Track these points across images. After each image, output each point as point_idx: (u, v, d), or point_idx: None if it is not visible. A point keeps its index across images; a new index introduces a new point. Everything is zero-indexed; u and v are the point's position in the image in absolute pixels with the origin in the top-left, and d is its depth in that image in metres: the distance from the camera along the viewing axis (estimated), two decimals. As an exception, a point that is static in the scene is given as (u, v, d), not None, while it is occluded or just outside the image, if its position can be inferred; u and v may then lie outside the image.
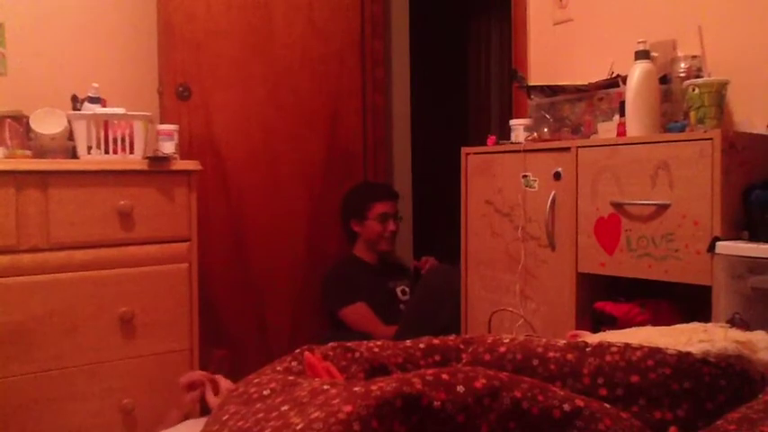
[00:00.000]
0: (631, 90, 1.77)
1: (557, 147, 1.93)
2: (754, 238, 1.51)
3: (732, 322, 1.26)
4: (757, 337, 1.02)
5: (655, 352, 0.95)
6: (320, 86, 2.94)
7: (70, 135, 2.10)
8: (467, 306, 2.23)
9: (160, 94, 2.56)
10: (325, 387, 0.82)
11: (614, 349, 0.97)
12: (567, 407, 0.82)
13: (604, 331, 1.43)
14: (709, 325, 1.08)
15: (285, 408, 0.79)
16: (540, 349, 1.02)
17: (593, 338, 1.12)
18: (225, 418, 0.86)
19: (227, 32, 2.69)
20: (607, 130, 1.92)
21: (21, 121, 2.07)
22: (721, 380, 0.92)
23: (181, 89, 2.58)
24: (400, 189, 3.31)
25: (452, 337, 1.15)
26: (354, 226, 2.92)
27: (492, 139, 2.20)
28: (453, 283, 2.27)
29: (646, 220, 1.68)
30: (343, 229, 2.97)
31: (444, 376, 0.79)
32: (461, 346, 1.12)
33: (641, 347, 0.96)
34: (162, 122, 2.41)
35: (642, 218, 1.69)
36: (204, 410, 1.16)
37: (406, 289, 2.90)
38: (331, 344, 1.11)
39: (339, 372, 1.03)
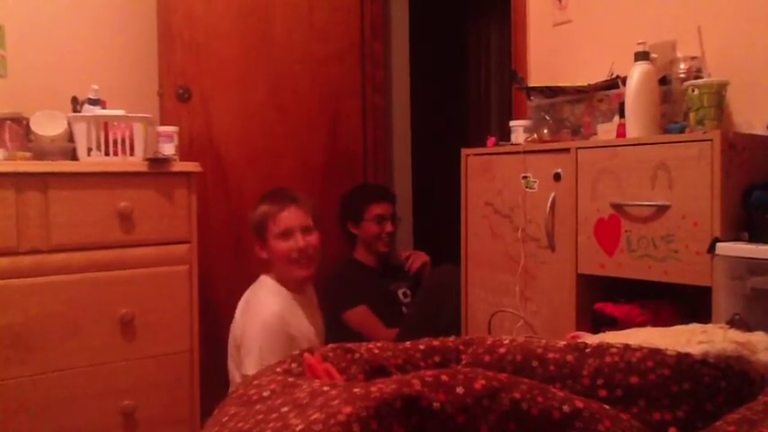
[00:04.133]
0: (631, 91, 1.77)
1: (556, 148, 1.93)
2: (753, 239, 1.51)
3: (732, 323, 1.26)
4: (757, 338, 1.02)
5: (654, 353, 0.95)
6: (320, 88, 2.95)
7: (70, 137, 2.10)
8: (467, 307, 2.23)
9: (160, 95, 2.56)
10: (325, 388, 0.82)
11: (614, 350, 0.97)
12: (566, 408, 0.82)
13: (604, 332, 1.43)
14: (708, 326, 1.09)
15: (285, 409, 0.79)
16: (539, 350, 1.02)
17: (593, 339, 1.12)
18: (225, 419, 0.86)
19: (226, 34, 2.69)
20: (607, 131, 1.92)
21: (21, 123, 2.07)
22: (721, 381, 0.93)
23: (181, 91, 2.58)
24: (400, 190, 3.31)
25: (452, 338, 1.16)
26: (352, 228, 2.93)
27: (492, 140, 2.20)
28: (457, 282, 2.27)
29: (646, 221, 1.68)
30: (342, 232, 2.98)
31: (444, 377, 0.80)
32: (461, 348, 1.12)
33: (641, 348, 0.96)
34: (162, 124, 2.41)
35: (642, 219, 1.69)
36: None
37: (408, 291, 2.91)
38: (331, 345, 1.11)
39: (339, 373, 1.03)
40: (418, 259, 2.98)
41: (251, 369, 2.01)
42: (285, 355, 1.99)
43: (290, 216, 2.25)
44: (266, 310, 2.15)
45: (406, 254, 3.05)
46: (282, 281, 2.27)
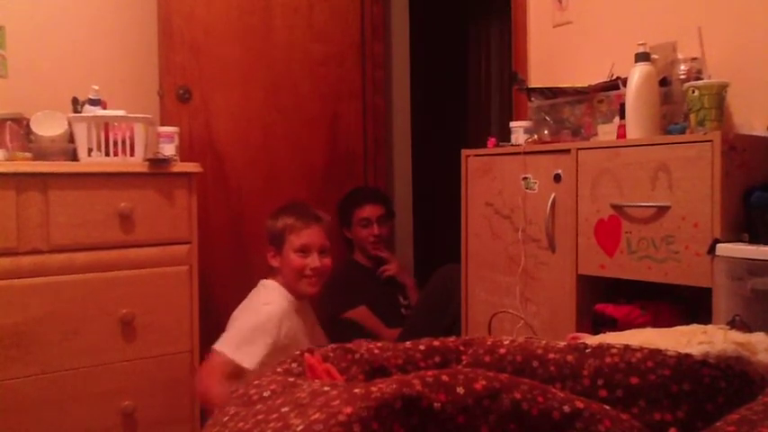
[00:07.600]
0: (631, 92, 1.77)
1: (557, 149, 1.93)
2: (754, 239, 1.51)
3: (732, 324, 1.26)
4: (757, 338, 1.02)
5: (654, 353, 0.95)
6: (320, 88, 2.95)
7: (71, 137, 2.10)
8: (467, 308, 2.23)
9: (160, 96, 2.57)
10: (326, 388, 0.82)
11: (614, 351, 0.97)
12: (566, 408, 0.82)
13: (604, 333, 1.43)
14: (708, 327, 1.08)
15: (285, 409, 0.79)
16: (539, 351, 1.02)
17: (593, 340, 1.12)
18: (225, 419, 0.86)
19: (227, 35, 2.69)
20: (607, 132, 1.92)
21: (21, 123, 2.07)
22: (721, 381, 0.93)
23: (181, 91, 2.58)
24: (400, 190, 3.31)
25: (452, 338, 1.15)
26: (346, 233, 2.95)
27: (492, 141, 2.20)
28: (459, 282, 2.27)
29: (646, 222, 1.68)
30: (342, 239, 2.98)
31: (444, 378, 0.80)
32: (461, 348, 1.12)
33: (641, 349, 0.96)
34: (162, 125, 2.42)
35: (642, 220, 1.69)
36: None
37: (407, 293, 2.90)
38: (331, 345, 1.11)
39: (339, 373, 1.03)
40: (390, 269, 2.90)
41: (225, 346, 2.07)
42: (256, 355, 2.02)
43: (312, 234, 2.27)
44: (267, 307, 2.19)
45: (386, 256, 2.96)
46: (287, 287, 2.29)
